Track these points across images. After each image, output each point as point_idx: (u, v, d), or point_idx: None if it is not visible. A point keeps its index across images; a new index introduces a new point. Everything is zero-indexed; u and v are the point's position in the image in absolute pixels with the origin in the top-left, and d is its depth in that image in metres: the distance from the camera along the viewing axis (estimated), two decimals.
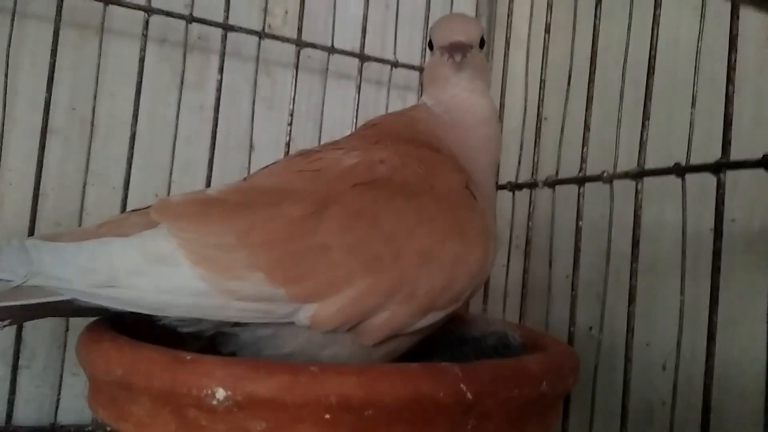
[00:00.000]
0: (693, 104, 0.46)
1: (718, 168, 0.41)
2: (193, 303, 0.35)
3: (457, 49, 0.46)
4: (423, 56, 0.74)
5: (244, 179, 0.43)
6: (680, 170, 0.44)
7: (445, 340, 0.47)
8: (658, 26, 0.48)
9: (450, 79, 0.48)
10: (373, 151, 0.42)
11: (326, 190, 0.38)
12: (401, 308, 0.37)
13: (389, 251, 0.36)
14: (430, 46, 0.51)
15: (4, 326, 0.38)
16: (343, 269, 0.35)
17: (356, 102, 0.70)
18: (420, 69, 0.74)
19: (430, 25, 0.74)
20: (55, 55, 0.58)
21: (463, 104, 0.48)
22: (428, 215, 0.39)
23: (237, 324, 0.36)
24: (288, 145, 0.67)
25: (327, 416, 0.30)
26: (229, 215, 0.36)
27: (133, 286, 0.34)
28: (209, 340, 0.39)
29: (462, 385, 0.32)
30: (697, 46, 0.47)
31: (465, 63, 0.46)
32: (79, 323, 0.58)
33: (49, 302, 0.35)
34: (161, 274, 0.34)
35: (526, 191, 0.62)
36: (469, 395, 0.32)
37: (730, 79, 0.42)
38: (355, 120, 0.70)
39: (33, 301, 0.35)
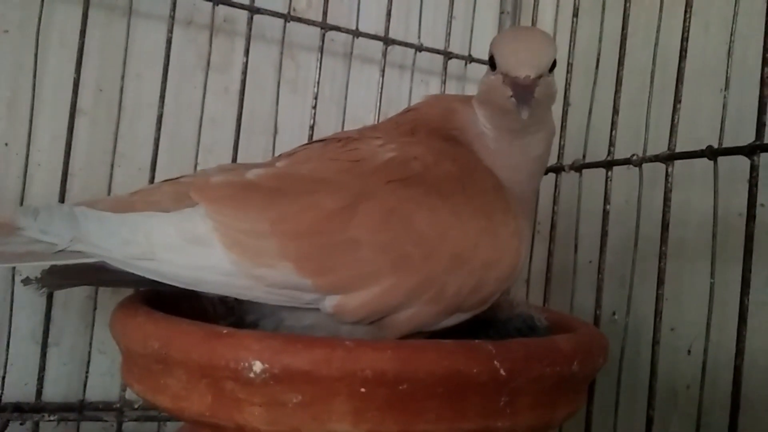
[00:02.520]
0: (726, 87, 0.46)
1: (752, 150, 0.41)
2: (224, 282, 0.35)
3: (525, 92, 0.38)
4: (447, 40, 0.74)
5: (279, 156, 0.44)
6: (713, 153, 0.44)
7: (469, 324, 0.47)
8: (691, 8, 0.48)
9: (509, 115, 0.41)
10: (408, 146, 0.41)
11: (360, 185, 0.38)
12: (427, 308, 0.37)
13: (419, 252, 0.36)
14: (492, 62, 0.42)
15: (43, 292, 0.39)
16: (372, 266, 0.36)
17: (380, 86, 0.70)
18: (444, 53, 0.74)
19: (453, 9, 0.74)
20: (84, 36, 0.58)
21: (516, 139, 0.43)
22: (461, 217, 0.38)
23: None
24: (312, 128, 0.67)
25: (362, 390, 0.31)
26: (264, 202, 0.37)
27: (168, 260, 0.35)
28: (232, 309, 0.39)
29: (496, 362, 0.32)
30: (732, 28, 0.47)
31: (532, 105, 0.38)
32: (107, 303, 0.60)
33: (88, 266, 0.36)
34: (196, 252, 0.35)
35: (550, 175, 0.62)
36: (502, 372, 0.32)
37: (765, 62, 0.41)
38: (378, 104, 0.70)
39: (74, 261, 0.36)
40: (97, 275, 0.38)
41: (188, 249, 0.35)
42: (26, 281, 0.38)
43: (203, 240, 0.35)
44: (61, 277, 0.39)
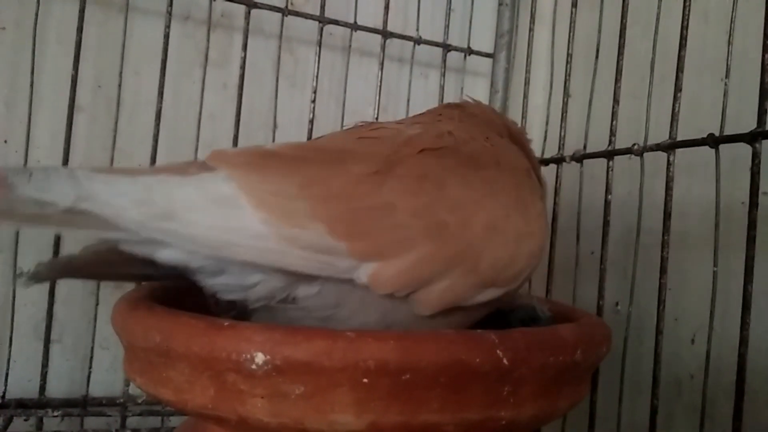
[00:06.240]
0: (727, 75, 0.46)
1: (753, 137, 0.41)
2: (254, 246, 0.33)
3: None
4: (446, 32, 0.74)
5: None
6: (714, 140, 0.44)
7: None
8: None
9: None
10: (437, 124, 0.41)
11: (392, 153, 0.36)
12: (462, 279, 0.35)
13: (455, 219, 0.35)
14: None
15: (33, 283, 0.35)
16: (408, 231, 0.34)
17: (379, 79, 0.70)
18: (443, 45, 0.74)
19: (452, 1, 0.74)
20: (81, 33, 0.58)
21: None
22: (494, 188, 0.38)
23: (285, 300, 0.36)
24: (311, 122, 0.67)
25: (364, 380, 0.30)
26: (288, 167, 0.35)
27: (192, 221, 0.32)
28: (244, 313, 0.39)
29: (498, 351, 0.32)
30: (731, 16, 0.46)
31: None
32: (109, 299, 0.60)
33: (91, 259, 0.35)
34: (221, 213, 0.33)
35: (552, 167, 0.62)
36: (505, 361, 0.32)
37: (766, 48, 0.41)
38: (377, 97, 0.70)
39: (80, 229, 0.32)
40: (100, 267, 0.37)
41: (214, 209, 0.32)
42: (21, 275, 0.37)
43: (229, 200, 0.32)
44: (60, 269, 0.37)
